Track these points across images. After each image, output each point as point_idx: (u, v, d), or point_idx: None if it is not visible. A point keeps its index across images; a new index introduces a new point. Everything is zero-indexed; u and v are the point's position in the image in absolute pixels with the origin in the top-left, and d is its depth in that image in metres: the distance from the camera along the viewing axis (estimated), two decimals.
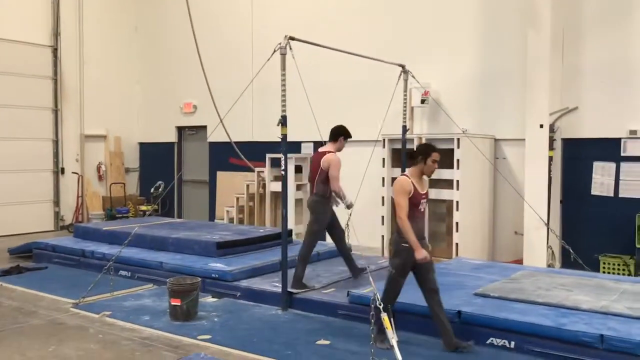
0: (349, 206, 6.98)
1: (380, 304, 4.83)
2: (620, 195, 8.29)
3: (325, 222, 6.94)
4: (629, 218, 8.06)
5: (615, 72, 8.31)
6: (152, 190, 13.78)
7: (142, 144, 14.74)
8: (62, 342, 5.47)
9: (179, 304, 5.98)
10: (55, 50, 12.99)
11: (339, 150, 6.94)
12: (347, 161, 10.20)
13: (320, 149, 7.00)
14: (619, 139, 8.28)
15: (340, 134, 6.95)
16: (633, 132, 8.16)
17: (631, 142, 8.21)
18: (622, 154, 8.28)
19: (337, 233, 7.18)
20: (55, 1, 12.96)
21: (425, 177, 5.24)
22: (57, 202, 13.10)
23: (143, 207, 13.62)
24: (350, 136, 7.07)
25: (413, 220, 5.02)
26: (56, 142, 13.05)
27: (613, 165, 8.33)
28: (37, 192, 12.70)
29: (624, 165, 8.27)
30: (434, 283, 5.15)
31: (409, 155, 5.28)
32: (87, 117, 13.51)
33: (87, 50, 13.46)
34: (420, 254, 4.93)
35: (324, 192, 6.80)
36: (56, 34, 12.98)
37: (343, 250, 7.24)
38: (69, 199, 13.21)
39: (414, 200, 5.04)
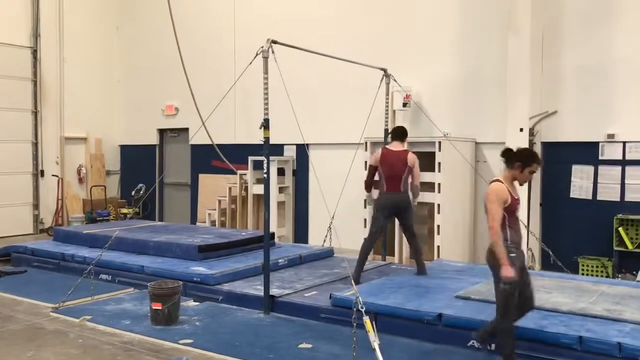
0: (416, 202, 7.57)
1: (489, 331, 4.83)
2: (598, 198, 8.41)
3: None
4: (606, 221, 8.18)
5: (594, 76, 8.43)
6: (133, 193, 13.67)
7: (123, 147, 14.62)
8: (41, 348, 5.41)
9: (160, 308, 5.94)
10: (34, 52, 12.83)
11: None
12: (330, 164, 10.31)
13: (392, 148, 7.27)
14: (597, 143, 8.41)
15: (406, 134, 7.43)
16: (610, 136, 8.29)
17: (609, 145, 8.34)
18: (600, 158, 8.41)
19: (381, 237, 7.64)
20: (34, 2, 12.82)
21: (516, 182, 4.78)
22: (36, 205, 12.94)
23: (124, 210, 13.51)
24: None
25: (512, 229, 4.64)
26: (36, 144, 12.88)
27: (591, 168, 8.45)
28: (16, 195, 12.52)
29: (601, 169, 8.39)
30: (532, 300, 4.80)
31: (505, 155, 4.75)
32: (67, 119, 13.37)
33: (67, 51, 13.33)
34: (508, 271, 4.44)
35: (408, 189, 7.24)
36: (36, 35, 12.83)
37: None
38: (48, 201, 13.05)
39: (512, 208, 4.61)
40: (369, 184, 7.39)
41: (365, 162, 9.38)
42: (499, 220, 4.56)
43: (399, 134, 7.36)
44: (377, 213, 7.25)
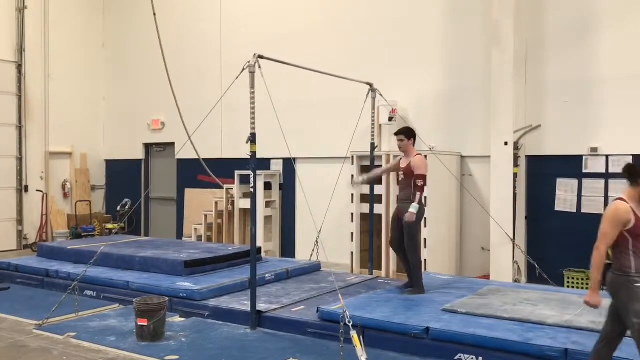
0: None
1: None
2: (582, 211, 8.48)
3: None
4: (591, 233, 8.08)
5: (577, 91, 8.55)
6: (118, 208, 13.58)
7: (108, 161, 14.53)
8: None
9: (145, 324, 5.88)
10: (19, 66, 12.77)
11: None
12: (317, 178, 10.32)
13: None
14: (580, 156, 8.51)
15: None
16: (594, 149, 8.39)
17: (592, 159, 8.44)
18: (583, 171, 8.50)
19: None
20: (19, 17, 12.78)
21: None
22: (20, 221, 12.80)
23: (109, 226, 13.40)
24: None
25: (636, 253, 4.08)
26: (20, 159, 12.78)
27: (575, 181, 8.54)
28: (0, 211, 12.40)
29: (585, 182, 8.47)
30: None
31: (628, 171, 4.12)
32: (52, 133, 13.26)
33: (52, 66, 13.26)
34: (591, 297, 4.14)
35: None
36: (21, 50, 12.77)
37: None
38: (32, 217, 12.91)
39: (637, 231, 4.02)
40: None
41: (352, 175, 9.41)
42: (608, 242, 4.09)
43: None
44: (419, 223, 6.98)
